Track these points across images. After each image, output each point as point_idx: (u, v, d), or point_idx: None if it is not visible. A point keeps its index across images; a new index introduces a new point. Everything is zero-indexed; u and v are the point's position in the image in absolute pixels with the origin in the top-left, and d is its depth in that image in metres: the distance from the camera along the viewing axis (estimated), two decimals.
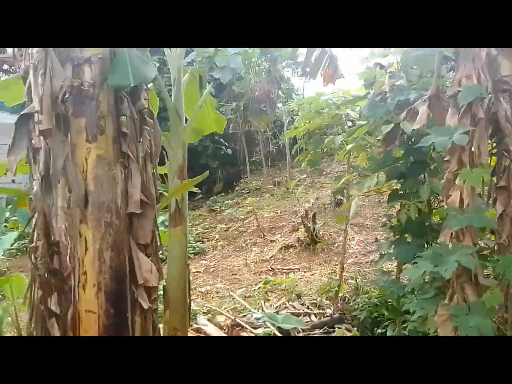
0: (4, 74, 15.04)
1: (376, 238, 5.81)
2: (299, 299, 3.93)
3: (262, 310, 3.68)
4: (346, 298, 3.88)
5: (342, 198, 7.81)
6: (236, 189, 10.77)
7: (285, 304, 3.91)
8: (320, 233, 6.13)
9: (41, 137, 1.53)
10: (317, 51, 3.47)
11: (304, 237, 6.01)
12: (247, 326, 3.05)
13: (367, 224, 6.53)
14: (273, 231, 7.05)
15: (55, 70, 1.56)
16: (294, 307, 3.70)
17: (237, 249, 6.61)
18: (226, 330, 3.05)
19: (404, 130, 2.31)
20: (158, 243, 1.97)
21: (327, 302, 3.91)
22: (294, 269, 5.25)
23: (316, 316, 3.48)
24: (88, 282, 1.60)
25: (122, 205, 1.71)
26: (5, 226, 8.01)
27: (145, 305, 1.76)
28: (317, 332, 3.13)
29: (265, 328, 2.99)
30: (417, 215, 2.48)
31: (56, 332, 1.61)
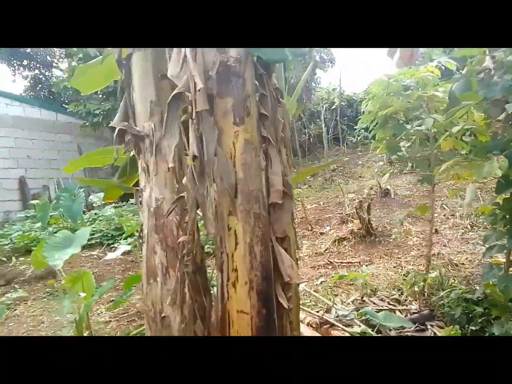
0: (24, 69, 15.02)
1: (436, 229, 5.55)
2: (375, 294, 3.75)
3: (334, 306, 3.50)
4: (425, 293, 3.68)
5: (388, 188, 7.62)
6: None
7: (358, 300, 3.73)
8: (374, 225, 5.91)
9: (192, 120, 1.37)
10: None
11: (358, 229, 5.80)
12: (338, 324, 2.88)
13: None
14: (320, 223, 6.86)
15: None
16: (374, 303, 3.51)
17: None
18: (316, 328, 2.89)
19: None
20: None
21: (404, 297, 3.72)
22: (353, 262, 5.06)
23: (401, 313, 3.28)
24: (239, 279, 1.45)
25: (265, 195, 1.55)
26: (48, 222, 7.91)
27: (285, 304, 1.61)
28: (410, 330, 2.94)
29: (360, 326, 2.82)
30: None
31: (201, 334, 1.48)
